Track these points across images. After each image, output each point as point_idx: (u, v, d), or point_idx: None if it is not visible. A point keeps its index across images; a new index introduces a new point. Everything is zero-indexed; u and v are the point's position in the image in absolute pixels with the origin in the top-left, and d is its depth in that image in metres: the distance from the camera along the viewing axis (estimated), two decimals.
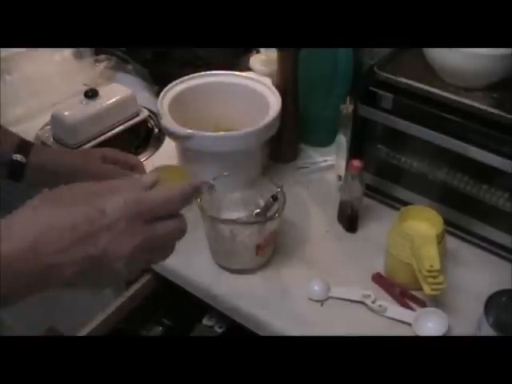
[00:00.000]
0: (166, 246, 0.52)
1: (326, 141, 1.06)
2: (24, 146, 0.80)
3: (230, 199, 0.86)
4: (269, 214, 0.82)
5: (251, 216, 0.84)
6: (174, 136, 0.87)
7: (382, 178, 0.93)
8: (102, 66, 1.24)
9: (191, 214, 0.57)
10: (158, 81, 1.14)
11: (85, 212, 0.48)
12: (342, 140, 0.93)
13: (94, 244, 0.47)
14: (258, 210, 0.84)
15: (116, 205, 0.49)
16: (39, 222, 0.47)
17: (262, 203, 0.84)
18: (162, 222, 0.50)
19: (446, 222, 0.81)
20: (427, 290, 0.75)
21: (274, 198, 0.82)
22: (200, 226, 0.82)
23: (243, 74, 0.99)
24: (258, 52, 1.11)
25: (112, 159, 0.81)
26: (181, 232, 0.52)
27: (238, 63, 1.12)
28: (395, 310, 0.78)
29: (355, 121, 0.89)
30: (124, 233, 0.49)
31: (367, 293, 0.80)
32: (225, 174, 0.84)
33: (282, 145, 1.01)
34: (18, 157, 0.78)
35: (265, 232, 0.80)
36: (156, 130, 1.09)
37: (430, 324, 0.75)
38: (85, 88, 1.09)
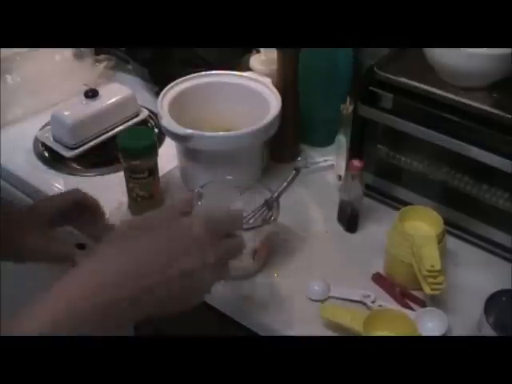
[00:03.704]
0: (228, 262, 0.58)
1: (325, 141, 1.06)
2: None
3: (225, 205, 0.85)
4: (263, 218, 0.81)
5: (247, 221, 0.83)
6: (174, 136, 0.87)
7: (382, 178, 0.93)
8: (101, 66, 1.24)
9: None
10: (158, 81, 1.14)
11: (175, 229, 0.54)
12: (342, 140, 0.93)
13: (184, 261, 0.53)
14: (253, 214, 0.83)
15: (197, 221, 0.55)
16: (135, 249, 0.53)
17: (256, 208, 0.83)
18: (229, 239, 0.57)
19: (446, 222, 0.81)
20: (427, 289, 0.75)
21: (269, 204, 0.81)
22: None
23: (243, 73, 0.99)
24: (258, 52, 1.11)
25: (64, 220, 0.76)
26: (242, 248, 0.59)
27: (238, 63, 1.12)
28: None
29: (355, 121, 0.89)
30: (208, 245, 0.54)
31: (367, 293, 0.80)
32: (228, 177, 0.83)
33: (282, 145, 1.01)
34: None
35: (261, 236, 0.79)
36: (156, 130, 1.09)
37: (430, 324, 0.75)
38: (85, 88, 1.09)
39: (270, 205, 0.82)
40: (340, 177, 0.95)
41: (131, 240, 0.54)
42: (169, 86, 0.94)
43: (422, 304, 0.78)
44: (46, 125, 1.10)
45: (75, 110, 1.05)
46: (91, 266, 0.52)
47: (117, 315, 0.50)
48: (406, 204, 0.87)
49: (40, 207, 0.77)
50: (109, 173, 1.01)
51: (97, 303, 0.48)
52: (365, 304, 0.79)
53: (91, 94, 1.06)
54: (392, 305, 0.79)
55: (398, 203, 0.91)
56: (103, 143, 1.07)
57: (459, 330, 0.75)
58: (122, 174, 0.91)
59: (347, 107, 0.91)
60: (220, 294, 0.81)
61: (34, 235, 0.73)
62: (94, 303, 0.48)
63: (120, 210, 0.93)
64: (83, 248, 0.84)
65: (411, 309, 0.78)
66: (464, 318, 0.75)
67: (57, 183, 1.00)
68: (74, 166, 1.04)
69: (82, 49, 1.22)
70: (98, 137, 1.06)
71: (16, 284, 0.94)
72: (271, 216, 0.80)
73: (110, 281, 0.50)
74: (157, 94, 0.99)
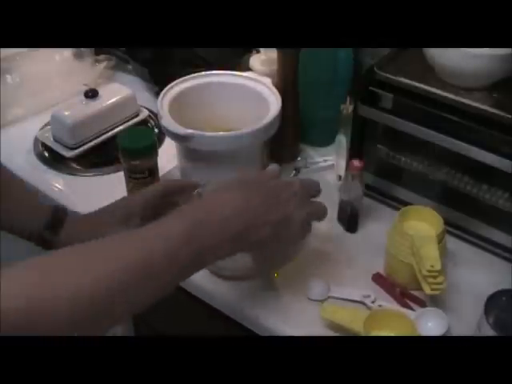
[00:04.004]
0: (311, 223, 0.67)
1: (326, 141, 1.06)
2: (55, 221, 0.74)
3: None
4: None
5: None
6: (174, 136, 0.87)
7: (382, 178, 0.93)
8: (101, 66, 1.24)
9: None
10: (158, 81, 1.14)
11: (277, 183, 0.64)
12: (342, 140, 0.93)
13: (287, 207, 0.62)
14: None
15: (294, 180, 0.67)
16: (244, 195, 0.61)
17: None
18: (316, 201, 0.68)
19: (446, 222, 0.81)
20: (427, 289, 0.75)
21: None
22: None
23: (243, 73, 0.98)
24: (258, 52, 1.11)
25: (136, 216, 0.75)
26: (325, 211, 0.68)
27: (238, 63, 1.12)
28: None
29: (355, 121, 0.89)
30: (303, 199, 0.64)
31: (367, 293, 0.80)
32: (228, 177, 0.83)
33: (282, 145, 1.01)
34: (47, 233, 0.74)
35: None
36: (156, 130, 1.09)
37: (430, 324, 0.75)
38: (85, 88, 1.09)
39: None
40: (340, 177, 0.95)
41: (242, 187, 0.62)
42: (169, 85, 0.94)
43: (422, 304, 0.78)
44: (46, 125, 1.10)
45: (75, 110, 1.05)
46: (210, 201, 0.60)
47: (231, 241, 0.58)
48: (406, 204, 0.87)
49: (127, 205, 0.76)
50: (109, 173, 1.01)
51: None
52: (365, 304, 0.79)
53: (91, 94, 1.06)
54: (392, 305, 0.79)
55: (398, 203, 0.91)
56: (103, 143, 1.07)
57: (459, 330, 0.75)
58: (121, 173, 0.91)
59: (347, 107, 0.91)
60: (220, 294, 0.81)
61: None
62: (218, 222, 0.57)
63: None
64: None
65: (411, 309, 0.78)
66: (464, 318, 0.75)
67: (57, 183, 1.00)
68: (74, 166, 1.04)
69: (82, 49, 1.22)
70: (98, 137, 1.06)
71: None
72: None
73: (227, 214, 0.58)
74: (157, 93, 0.99)
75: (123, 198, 0.79)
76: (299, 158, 1.04)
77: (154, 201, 0.76)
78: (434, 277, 0.74)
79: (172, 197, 0.77)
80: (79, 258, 0.51)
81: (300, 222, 0.64)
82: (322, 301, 0.79)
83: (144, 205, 0.75)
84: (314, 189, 0.69)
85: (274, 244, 0.63)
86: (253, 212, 0.60)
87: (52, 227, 0.74)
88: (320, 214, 0.69)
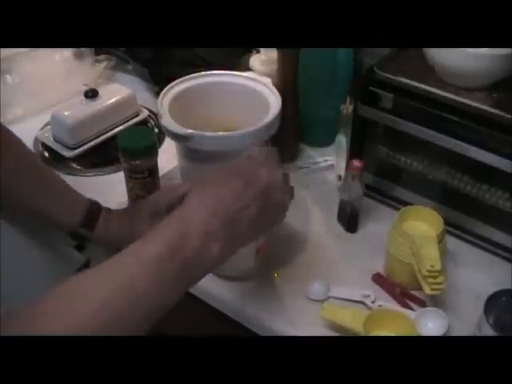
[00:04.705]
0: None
1: (326, 141, 1.06)
2: (91, 217, 0.77)
3: None
4: None
5: None
6: (174, 136, 0.87)
7: (382, 178, 0.93)
8: (101, 66, 1.24)
9: None
10: (158, 81, 1.14)
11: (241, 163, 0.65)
12: (342, 140, 0.93)
13: (259, 178, 0.61)
14: None
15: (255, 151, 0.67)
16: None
17: None
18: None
19: (446, 222, 0.81)
20: (427, 289, 0.75)
21: None
22: None
23: (243, 73, 0.98)
24: (258, 52, 1.11)
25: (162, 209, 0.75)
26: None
27: (238, 63, 1.12)
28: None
29: (355, 121, 0.89)
30: (271, 166, 0.63)
31: (367, 293, 0.80)
32: None
33: (282, 145, 1.01)
34: (82, 230, 0.76)
35: (262, 235, 0.79)
36: (156, 130, 1.09)
37: (430, 324, 0.75)
38: (85, 88, 1.09)
39: None
40: (340, 177, 0.95)
41: (211, 182, 0.62)
42: (169, 85, 0.94)
43: (422, 304, 0.78)
44: (46, 125, 1.10)
45: (75, 110, 1.05)
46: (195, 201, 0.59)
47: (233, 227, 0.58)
48: (406, 204, 0.87)
49: (154, 202, 0.77)
50: (109, 173, 1.02)
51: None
52: (365, 304, 0.79)
53: (91, 94, 1.06)
54: (392, 305, 0.79)
55: (397, 203, 0.91)
56: (103, 143, 1.07)
57: (459, 330, 0.75)
58: (121, 173, 0.91)
59: (347, 107, 0.91)
60: (220, 295, 0.81)
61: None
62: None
63: None
64: (83, 248, 0.84)
65: (411, 309, 0.78)
66: (464, 318, 0.75)
67: None
68: (74, 166, 1.04)
69: (82, 49, 1.22)
70: (98, 137, 1.06)
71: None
72: None
73: (203, 216, 0.57)
74: (157, 93, 0.99)
75: (153, 195, 0.80)
76: (299, 158, 1.04)
77: (180, 200, 0.76)
78: (434, 277, 0.74)
79: None
80: (63, 302, 0.49)
81: (279, 184, 0.63)
82: (322, 301, 0.79)
83: (170, 201, 0.74)
84: (274, 154, 0.67)
85: (267, 219, 0.63)
86: (228, 202, 0.58)
87: (87, 224, 0.77)
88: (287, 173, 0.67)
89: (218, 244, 0.56)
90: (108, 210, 0.81)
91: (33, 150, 1.06)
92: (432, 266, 0.73)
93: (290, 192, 0.66)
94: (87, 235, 0.77)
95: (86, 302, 0.49)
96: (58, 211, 0.77)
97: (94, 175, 1.02)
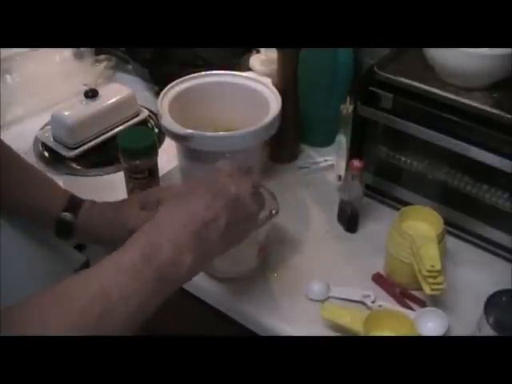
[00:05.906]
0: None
1: (326, 141, 1.06)
2: (73, 203, 0.76)
3: None
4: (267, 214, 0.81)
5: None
6: (174, 136, 0.87)
7: (382, 178, 0.93)
8: (101, 66, 1.24)
9: None
10: (158, 81, 1.14)
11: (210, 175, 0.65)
12: (342, 140, 0.93)
13: (227, 190, 0.61)
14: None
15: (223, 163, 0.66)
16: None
17: None
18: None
19: (446, 222, 0.81)
20: (427, 289, 0.75)
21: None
22: None
23: (243, 74, 0.98)
24: (258, 52, 1.11)
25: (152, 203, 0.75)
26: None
27: (238, 63, 1.12)
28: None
29: (355, 121, 0.89)
30: (239, 176, 0.64)
31: (367, 293, 0.80)
32: None
33: (282, 145, 1.01)
34: (67, 215, 0.75)
35: (262, 235, 0.79)
36: (156, 130, 1.09)
37: (430, 324, 0.75)
38: (85, 88, 1.09)
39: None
40: (340, 177, 0.95)
41: (191, 192, 0.62)
42: (169, 85, 0.94)
43: (422, 304, 0.78)
44: (46, 125, 1.10)
45: (75, 110, 1.05)
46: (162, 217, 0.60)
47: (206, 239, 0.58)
48: (406, 204, 0.87)
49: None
50: (109, 173, 1.01)
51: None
52: (365, 304, 0.79)
53: (91, 94, 1.06)
54: (392, 305, 0.79)
55: (397, 203, 0.91)
56: (103, 143, 1.07)
57: (459, 330, 0.75)
58: (121, 173, 0.92)
59: (347, 107, 0.91)
60: (220, 294, 0.81)
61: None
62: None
63: None
64: (84, 248, 0.84)
65: (411, 309, 0.78)
66: (464, 318, 0.75)
67: None
68: (74, 166, 1.04)
69: (82, 49, 1.22)
70: (98, 137, 1.06)
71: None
72: (273, 209, 0.80)
73: (176, 226, 0.58)
74: (157, 93, 0.99)
75: (147, 189, 0.80)
76: (299, 158, 1.03)
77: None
78: (434, 277, 0.74)
79: None
80: (36, 312, 0.49)
81: (248, 194, 0.63)
82: (322, 301, 0.79)
83: (163, 197, 0.74)
84: (244, 165, 0.68)
85: (237, 230, 0.62)
86: (197, 214, 0.59)
87: (71, 208, 0.76)
88: (258, 183, 0.68)
89: (190, 254, 0.57)
90: (92, 201, 0.80)
91: (33, 150, 1.07)
92: (432, 266, 0.73)
93: (261, 202, 0.66)
94: (72, 221, 0.75)
95: (68, 306, 0.50)
96: (41, 198, 0.76)
97: (94, 175, 1.02)
